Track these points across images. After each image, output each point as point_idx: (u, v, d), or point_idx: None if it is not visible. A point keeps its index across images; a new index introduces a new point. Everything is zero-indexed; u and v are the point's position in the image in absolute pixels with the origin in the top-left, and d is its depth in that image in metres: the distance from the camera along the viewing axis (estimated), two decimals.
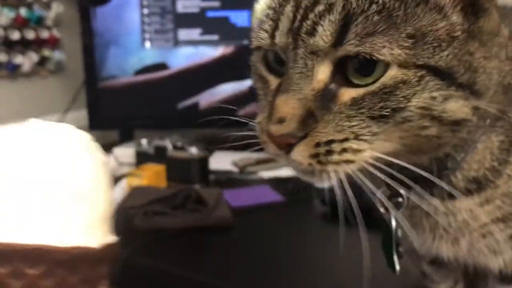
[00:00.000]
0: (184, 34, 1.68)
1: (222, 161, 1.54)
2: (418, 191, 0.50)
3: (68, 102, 1.77)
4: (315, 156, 0.46)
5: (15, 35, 1.68)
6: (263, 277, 0.95)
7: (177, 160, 1.40)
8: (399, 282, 0.74)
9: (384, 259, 0.59)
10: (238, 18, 1.67)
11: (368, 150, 0.46)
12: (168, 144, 1.45)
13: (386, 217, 0.56)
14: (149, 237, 1.09)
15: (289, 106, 0.45)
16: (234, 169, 1.51)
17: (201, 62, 1.69)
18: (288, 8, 0.47)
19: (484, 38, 0.46)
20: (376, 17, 0.43)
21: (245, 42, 1.66)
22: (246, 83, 1.65)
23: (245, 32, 1.66)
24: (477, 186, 0.54)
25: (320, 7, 0.45)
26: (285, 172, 1.48)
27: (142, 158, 1.47)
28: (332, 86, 0.46)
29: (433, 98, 0.44)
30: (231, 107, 0.65)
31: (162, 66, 1.70)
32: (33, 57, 1.74)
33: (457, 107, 0.45)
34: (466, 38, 0.45)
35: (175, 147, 1.44)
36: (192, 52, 1.69)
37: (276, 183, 1.41)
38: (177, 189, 1.23)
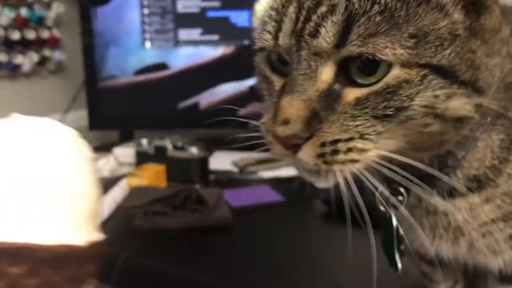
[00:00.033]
0: (185, 34, 1.68)
1: (222, 161, 1.54)
2: (421, 187, 0.50)
3: (68, 102, 1.77)
4: (321, 156, 0.46)
5: (16, 35, 1.68)
6: (263, 277, 0.95)
7: (177, 160, 1.40)
8: (399, 282, 0.74)
9: (384, 259, 0.59)
10: (239, 18, 1.67)
11: (373, 149, 0.46)
12: (168, 144, 1.45)
13: (387, 215, 0.56)
14: (149, 237, 1.09)
15: (293, 108, 0.45)
16: (234, 169, 1.51)
17: (201, 62, 1.69)
18: (291, 9, 0.47)
19: (486, 36, 0.46)
20: (378, 18, 0.43)
21: (246, 42, 1.66)
22: (246, 83, 1.66)
23: (246, 32, 1.66)
24: (477, 184, 0.54)
25: (323, 9, 0.45)
26: (285, 172, 1.48)
27: (142, 158, 1.47)
28: (336, 86, 0.46)
29: (436, 96, 0.44)
30: (233, 107, 0.65)
31: (162, 66, 1.70)
32: (34, 57, 1.74)
33: (459, 104, 0.45)
34: (468, 36, 0.45)
35: (175, 147, 1.44)
36: (193, 52, 1.69)
37: (276, 183, 1.41)
38: (177, 189, 1.23)
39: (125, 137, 1.76)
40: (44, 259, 0.48)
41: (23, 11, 1.69)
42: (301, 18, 0.46)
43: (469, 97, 0.45)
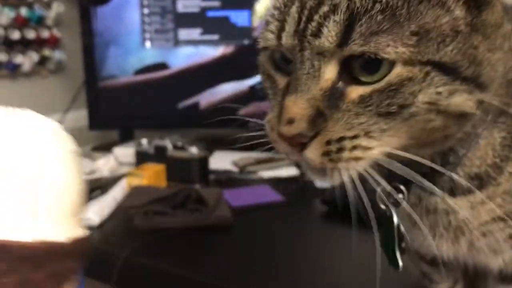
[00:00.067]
0: (185, 33, 1.68)
1: (222, 161, 1.54)
2: (424, 184, 0.50)
3: (68, 101, 1.77)
4: (326, 154, 0.46)
5: (16, 35, 1.67)
6: (263, 277, 0.95)
7: (177, 159, 1.40)
8: (399, 282, 0.74)
9: (384, 259, 0.59)
10: (239, 18, 1.67)
11: (377, 147, 0.46)
12: (168, 144, 1.45)
13: (387, 213, 0.56)
14: (149, 236, 1.09)
15: (298, 107, 0.46)
16: (234, 169, 1.51)
17: (201, 62, 1.69)
18: (293, 9, 0.47)
19: (487, 31, 0.46)
20: (380, 16, 0.43)
21: (246, 41, 1.66)
22: (247, 83, 1.66)
23: (246, 31, 1.66)
24: (478, 183, 0.54)
25: (325, 8, 0.45)
26: (285, 172, 1.48)
27: (142, 157, 1.47)
28: (340, 84, 0.46)
29: (439, 93, 0.44)
30: (233, 106, 0.65)
31: (162, 66, 1.70)
32: (34, 56, 1.74)
33: (462, 100, 0.45)
34: (470, 32, 0.45)
35: (175, 147, 1.44)
36: (193, 52, 1.69)
37: (276, 183, 1.41)
38: (177, 189, 1.23)
39: (125, 137, 1.76)
40: (23, 257, 0.46)
41: (23, 11, 1.69)
42: (304, 18, 0.46)
43: (471, 93, 0.45)
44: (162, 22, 1.68)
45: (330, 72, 0.46)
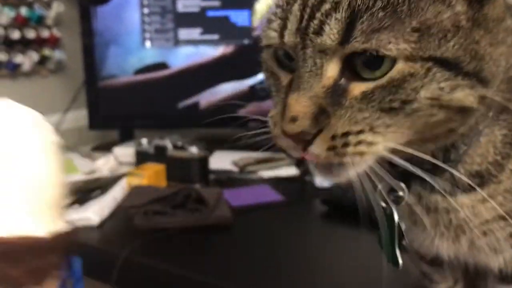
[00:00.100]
0: (184, 33, 1.68)
1: (222, 161, 1.54)
2: (428, 178, 0.50)
3: (68, 101, 1.77)
4: (332, 148, 0.46)
5: (16, 35, 1.67)
6: (263, 277, 0.95)
7: (177, 159, 1.40)
8: (399, 282, 0.74)
9: (384, 259, 0.59)
10: (239, 17, 1.67)
11: (382, 142, 0.46)
12: (168, 143, 1.45)
13: (387, 211, 0.56)
14: (149, 236, 1.09)
15: (301, 105, 0.46)
16: (234, 169, 1.51)
17: (201, 62, 1.69)
18: (296, 7, 0.47)
19: (489, 25, 0.46)
20: (381, 13, 0.43)
21: (246, 41, 1.66)
22: (246, 83, 1.65)
23: (246, 31, 1.66)
24: (480, 180, 0.54)
25: (326, 6, 0.45)
26: (285, 171, 1.48)
27: (142, 157, 1.47)
28: (342, 81, 0.46)
29: (441, 88, 0.44)
30: (237, 102, 0.65)
31: (162, 66, 1.70)
32: (34, 56, 1.74)
33: (463, 95, 0.45)
34: (471, 27, 0.45)
35: (175, 147, 1.44)
36: (192, 51, 1.69)
37: (276, 182, 1.41)
38: (177, 189, 1.23)
39: (125, 137, 1.76)
40: (0, 252, 0.44)
41: (23, 11, 1.69)
42: (306, 16, 0.46)
43: (473, 88, 0.45)
44: (162, 21, 1.68)
45: (332, 69, 0.46)
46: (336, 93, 0.46)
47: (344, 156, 0.46)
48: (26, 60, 1.72)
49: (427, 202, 0.56)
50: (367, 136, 0.46)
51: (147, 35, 1.69)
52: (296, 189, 1.40)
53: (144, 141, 1.50)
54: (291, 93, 0.47)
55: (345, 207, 1.16)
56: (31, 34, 1.71)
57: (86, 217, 1.17)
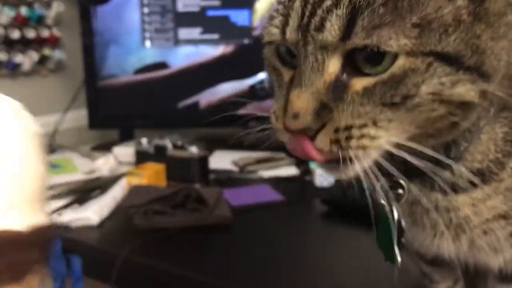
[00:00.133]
0: (184, 33, 1.68)
1: (222, 160, 1.54)
2: (433, 172, 0.49)
3: (68, 101, 1.77)
4: (335, 142, 0.46)
5: (16, 34, 1.67)
6: (263, 277, 0.95)
7: (177, 159, 1.40)
8: (399, 282, 0.74)
9: (381, 256, 0.59)
10: (238, 17, 1.67)
11: (384, 136, 0.46)
12: (168, 143, 1.45)
13: (387, 209, 0.55)
14: (149, 236, 1.09)
15: (302, 101, 0.46)
16: (234, 168, 1.51)
17: (201, 61, 1.69)
18: (297, 4, 0.47)
19: (491, 19, 0.46)
20: (381, 9, 0.43)
21: (245, 41, 1.66)
22: (246, 82, 1.65)
23: (245, 31, 1.66)
24: (481, 178, 0.53)
25: (328, 2, 0.45)
26: (285, 171, 1.48)
27: (142, 157, 1.47)
28: (343, 77, 0.46)
29: (442, 83, 0.44)
30: (233, 106, 0.65)
31: (162, 65, 1.70)
32: (34, 56, 1.74)
33: (464, 90, 0.45)
34: (472, 21, 0.45)
35: (175, 146, 1.44)
36: (192, 51, 1.69)
37: (276, 182, 1.41)
38: (177, 188, 1.23)
39: (125, 136, 1.76)
40: None
41: (23, 10, 1.69)
42: (307, 13, 0.46)
43: (474, 83, 0.45)
44: (162, 21, 1.68)
45: (333, 65, 0.46)
46: (338, 88, 0.46)
47: (348, 150, 0.46)
48: (26, 59, 1.72)
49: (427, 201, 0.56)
50: (370, 130, 0.46)
51: (147, 34, 1.69)
52: (296, 189, 1.39)
53: (144, 140, 1.50)
54: (292, 90, 0.47)
55: (345, 207, 1.16)
56: (31, 33, 1.71)
57: (86, 216, 1.17)
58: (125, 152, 1.56)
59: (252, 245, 1.09)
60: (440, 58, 0.44)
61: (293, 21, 0.47)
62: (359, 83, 0.46)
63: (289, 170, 1.48)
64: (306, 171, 1.44)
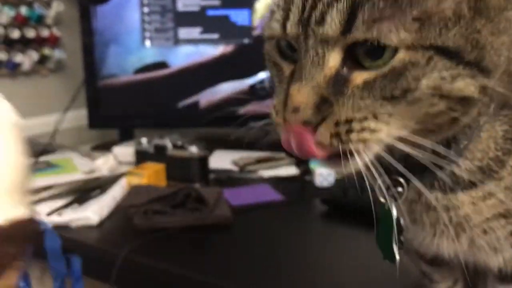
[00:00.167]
0: (184, 32, 1.68)
1: (222, 160, 1.54)
2: (432, 169, 0.50)
3: (68, 100, 1.77)
4: (336, 135, 0.46)
5: (15, 34, 1.67)
6: (263, 276, 0.95)
7: (177, 159, 1.40)
8: (399, 282, 0.74)
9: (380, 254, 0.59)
10: (239, 16, 1.66)
11: (385, 130, 0.46)
12: (168, 143, 1.45)
13: (386, 206, 0.55)
14: (148, 236, 1.09)
15: (303, 95, 0.46)
16: (234, 168, 1.51)
17: (201, 61, 1.69)
18: None
19: (491, 14, 0.46)
20: (382, 3, 0.43)
21: (246, 40, 1.66)
22: (247, 82, 1.65)
23: (246, 30, 1.66)
24: (481, 177, 0.53)
25: None
26: (285, 171, 1.48)
27: (142, 157, 1.47)
28: (344, 71, 0.46)
29: (442, 78, 0.44)
30: (233, 106, 0.65)
31: (162, 65, 1.70)
32: (33, 55, 1.74)
33: (464, 85, 0.45)
34: (473, 16, 0.45)
35: (175, 146, 1.44)
36: (192, 50, 1.69)
37: (276, 182, 1.41)
38: (177, 188, 1.23)
39: (125, 136, 1.76)
40: None
41: (23, 10, 1.68)
42: (308, 7, 0.46)
43: (474, 78, 0.45)
44: (162, 21, 1.68)
45: (334, 59, 0.46)
46: (338, 82, 0.46)
47: (348, 143, 0.46)
48: (26, 59, 1.72)
49: (426, 199, 0.56)
50: (370, 123, 0.46)
51: (147, 34, 1.69)
52: (296, 188, 1.39)
53: (144, 140, 1.50)
54: (293, 84, 0.47)
55: (345, 207, 1.16)
56: (31, 33, 1.71)
57: (86, 216, 1.17)
58: (125, 152, 1.56)
59: (252, 245, 1.09)
60: (440, 52, 0.44)
61: (294, 15, 0.47)
62: (359, 77, 0.46)
63: (289, 170, 1.48)
64: (306, 171, 1.44)
